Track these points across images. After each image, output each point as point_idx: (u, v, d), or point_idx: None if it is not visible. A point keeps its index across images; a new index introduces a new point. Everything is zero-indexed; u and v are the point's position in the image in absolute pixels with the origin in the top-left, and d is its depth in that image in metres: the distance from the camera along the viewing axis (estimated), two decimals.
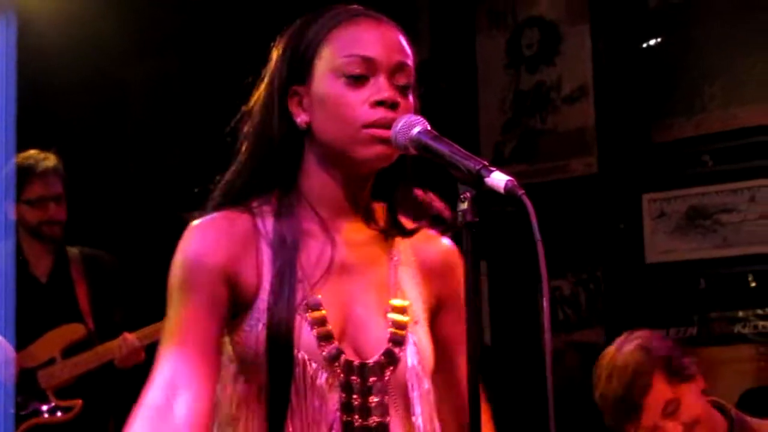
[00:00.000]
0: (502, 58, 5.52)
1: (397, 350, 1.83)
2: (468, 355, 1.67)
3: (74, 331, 4.06)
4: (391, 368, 1.82)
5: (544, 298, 1.64)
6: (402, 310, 1.87)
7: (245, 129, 1.88)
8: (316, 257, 1.82)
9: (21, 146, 4.14)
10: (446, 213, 1.91)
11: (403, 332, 1.85)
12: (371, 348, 1.82)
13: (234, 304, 1.80)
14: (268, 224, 1.82)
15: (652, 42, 5.12)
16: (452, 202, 1.74)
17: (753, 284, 4.80)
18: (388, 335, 1.84)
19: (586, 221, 5.19)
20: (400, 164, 1.88)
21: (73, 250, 4.20)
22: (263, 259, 1.80)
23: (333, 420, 1.78)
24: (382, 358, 1.82)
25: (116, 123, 5.18)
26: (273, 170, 1.84)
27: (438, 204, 1.92)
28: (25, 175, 4.04)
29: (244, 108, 1.90)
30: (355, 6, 1.90)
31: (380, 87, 1.81)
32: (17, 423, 3.93)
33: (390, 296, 1.87)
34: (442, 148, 1.74)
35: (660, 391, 2.79)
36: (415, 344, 1.85)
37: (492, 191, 1.69)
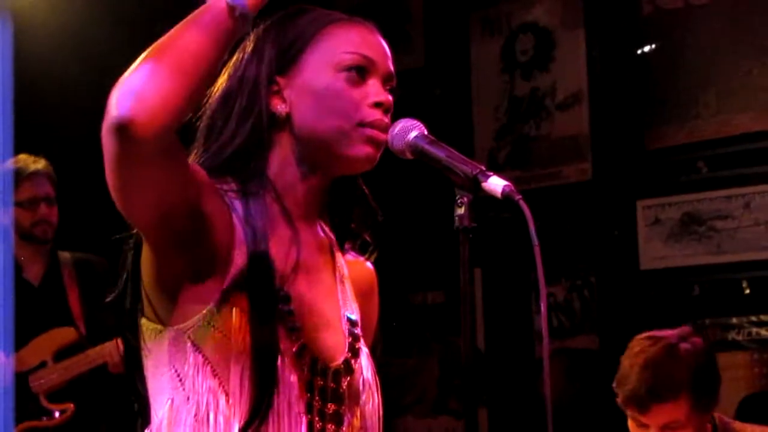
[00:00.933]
0: (496, 64, 5.52)
1: (353, 361, 1.81)
2: (463, 362, 1.67)
3: (65, 334, 4.05)
4: (348, 378, 1.79)
5: (542, 302, 1.63)
6: (355, 323, 1.85)
7: (212, 115, 1.81)
8: (284, 253, 1.77)
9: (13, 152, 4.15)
10: (370, 241, 1.93)
11: (358, 344, 1.83)
12: (330, 354, 1.79)
13: (198, 247, 1.68)
14: (236, 204, 1.75)
15: (646, 48, 5.12)
16: (449, 206, 1.74)
17: (747, 291, 4.80)
18: (347, 345, 1.81)
19: (580, 227, 5.19)
20: (353, 182, 1.89)
21: (65, 255, 4.20)
22: (235, 235, 1.72)
23: (302, 421, 1.73)
24: (341, 366, 1.79)
25: None
26: (244, 157, 1.78)
27: (365, 233, 1.93)
28: (15, 177, 4.04)
29: (208, 97, 1.82)
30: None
31: (378, 89, 1.80)
32: None
33: (341, 307, 1.85)
34: (439, 152, 1.73)
35: (676, 409, 2.76)
36: (368, 357, 1.85)
37: (489, 196, 1.69)
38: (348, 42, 1.80)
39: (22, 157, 4.11)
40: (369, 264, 1.96)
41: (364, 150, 1.78)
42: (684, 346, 2.82)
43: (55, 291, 4.12)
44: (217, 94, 1.82)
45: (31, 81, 4.46)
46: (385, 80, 1.82)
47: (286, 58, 1.81)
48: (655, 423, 2.76)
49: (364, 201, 1.92)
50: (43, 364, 4.01)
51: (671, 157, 4.98)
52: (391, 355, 5.53)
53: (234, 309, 1.69)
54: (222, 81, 1.83)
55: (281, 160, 1.80)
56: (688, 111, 4.93)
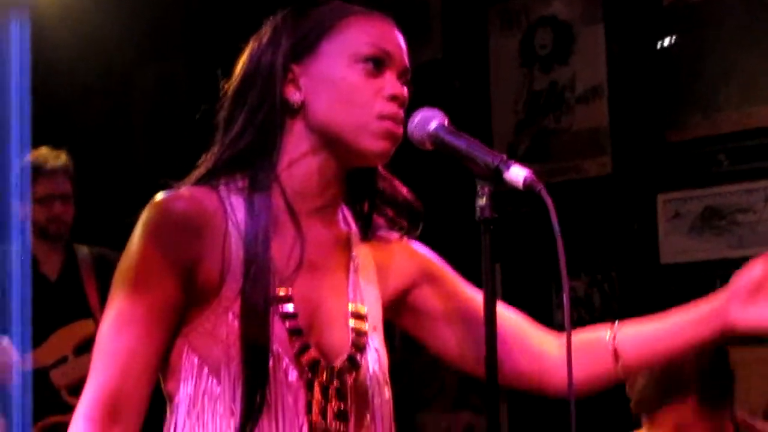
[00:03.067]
0: (515, 58, 5.50)
1: (358, 356, 1.79)
2: (486, 356, 1.66)
3: (85, 327, 4.04)
4: (353, 374, 1.78)
5: (564, 293, 1.62)
6: (362, 317, 1.83)
7: (229, 106, 1.82)
8: (287, 253, 1.76)
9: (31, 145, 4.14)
10: (414, 204, 1.91)
11: (364, 339, 1.81)
12: (335, 351, 1.77)
13: (191, 294, 1.72)
14: (237, 208, 1.75)
15: (666, 41, 5.08)
16: (469, 198, 1.72)
17: None
18: (351, 340, 1.80)
19: (600, 222, 5.16)
20: (374, 172, 1.88)
21: (83, 249, 4.19)
22: (231, 245, 1.72)
23: (302, 421, 1.72)
24: (346, 363, 1.78)
25: (124, 122, 5.18)
26: (260, 150, 1.78)
27: (402, 194, 1.91)
28: (33, 173, 4.03)
29: (225, 86, 1.84)
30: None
31: (394, 82, 1.79)
32: (33, 422, 3.92)
33: (349, 301, 1.83)
34: (460, 143, 1.73)
35: (685, 410, 2.75)
36: (376, 350, 1.82)
37: (508, 191, 1.68)
38: (366, 34, 1.79)
39: (43, 151, 4.10)
40: (395, 235, 1.94)
41: (379, 144, 1.77)
42: None
43: (73, 285, 4.11)
44: (234, 83, 1.82)
45: (48, 73, 4.48)
46: (401, 74, 1.81)
47: (303, 46, 1.80)
48: (665, 425, 2.74)
49: (396, 192, 1.90)
50: (64, 359, 4.01)
51: (692, 150, 4.95)
52: (410, 350, 5.52)
53: (229, 314, 1.70)
54: (239, 70, 1.83)
55: (294, 151, 1.80)
56: (710, 104, 4.90)
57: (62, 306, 4.08)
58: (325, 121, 1.78)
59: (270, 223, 1.75)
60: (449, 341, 1.96)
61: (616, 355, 1.93)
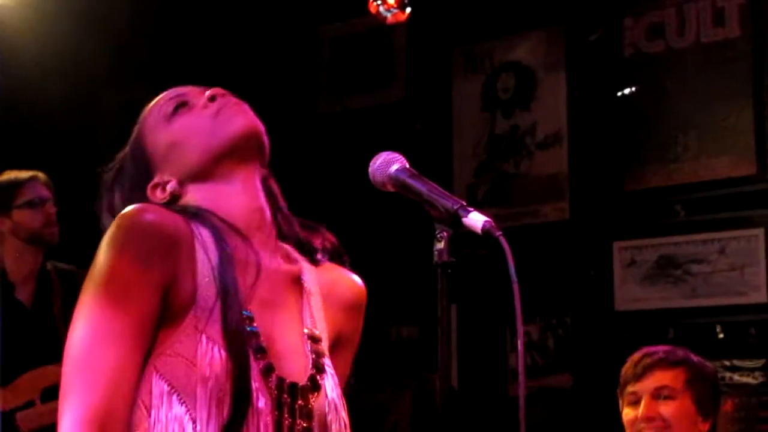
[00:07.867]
0: (477, 102, 5.54)
1: (318, 377, 1.79)
2: (438, 397, 1.67)
3: (53, 373, 3.96)
4: (315, 394, 1.78)
5: (519, 339, 1.63)
6: (318, 340, 1.84)
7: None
8: (243, 271, 1.76)
9: None
10: (336, 250, 1.94)
11: (322, 360, 1.82)
12: (295, 371, 1.77)
13: (165, 311, 1.69)
14: (202, 230, 1.76)
15: (626, 91, 5.14)
16: (426, 240, 1.73)
17: (721, 335, 4.80)
18: (311, 363, 1.80)
19: (556, 267, 5.19)
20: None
21: (53, 266, 4.09)
22: (198, 265, 1.72)
23: None
24: (308, 383, 1.78)
25: (89, 146, 5.16)
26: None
27: (328, 240, 1.94)
28: (12, 187, 3.96)
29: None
30: None
31: (201, 94, 1.89)
32: None
33: (304, 324, 1.83)
34: (421, 186, 1.74)
35: (672, 377, 2.81)
36: (332, 376, 1.83)
37: (466, 232, 1.69)
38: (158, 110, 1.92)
39: (13, 172, 4.03)
40: (356, 277, 1.95)
41: (235, 123, 1.83)
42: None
43: (45, 313, 4.01)
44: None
45: (13, 95, 4.46)
46: (203, 90, 1.90)
47: (143, 172, 1.89)
48: (646, 388, 2.79)
49: (293, 231, 1.93)
50: (30, 403, 3.92)
51: (649, 199, 5.00)
52: (363, 390, 5.50)
53: (202, 337, 1.68)
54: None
55: (210, 195, 1.85)
56: (667, 154, 4.96)
57: (35, 337, 3.96)
58: (193, 166, 1.83)
59: (227, 240, 1.76)
60: None
61: None
